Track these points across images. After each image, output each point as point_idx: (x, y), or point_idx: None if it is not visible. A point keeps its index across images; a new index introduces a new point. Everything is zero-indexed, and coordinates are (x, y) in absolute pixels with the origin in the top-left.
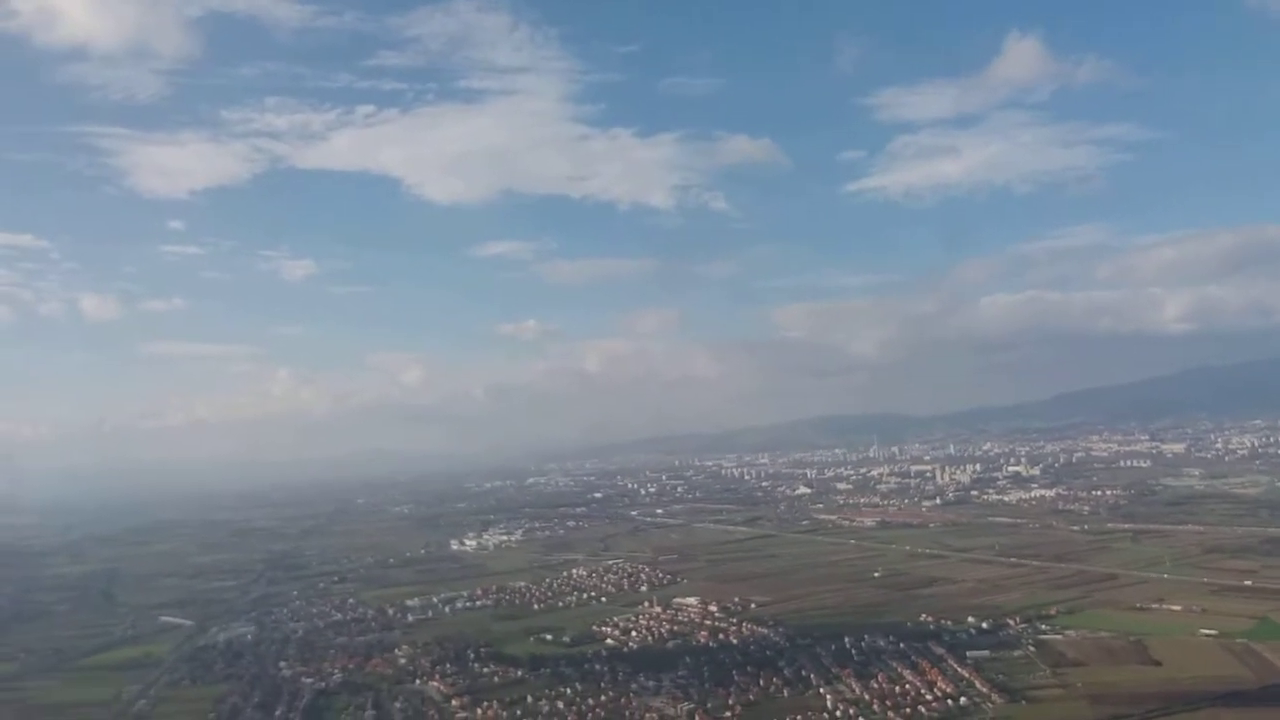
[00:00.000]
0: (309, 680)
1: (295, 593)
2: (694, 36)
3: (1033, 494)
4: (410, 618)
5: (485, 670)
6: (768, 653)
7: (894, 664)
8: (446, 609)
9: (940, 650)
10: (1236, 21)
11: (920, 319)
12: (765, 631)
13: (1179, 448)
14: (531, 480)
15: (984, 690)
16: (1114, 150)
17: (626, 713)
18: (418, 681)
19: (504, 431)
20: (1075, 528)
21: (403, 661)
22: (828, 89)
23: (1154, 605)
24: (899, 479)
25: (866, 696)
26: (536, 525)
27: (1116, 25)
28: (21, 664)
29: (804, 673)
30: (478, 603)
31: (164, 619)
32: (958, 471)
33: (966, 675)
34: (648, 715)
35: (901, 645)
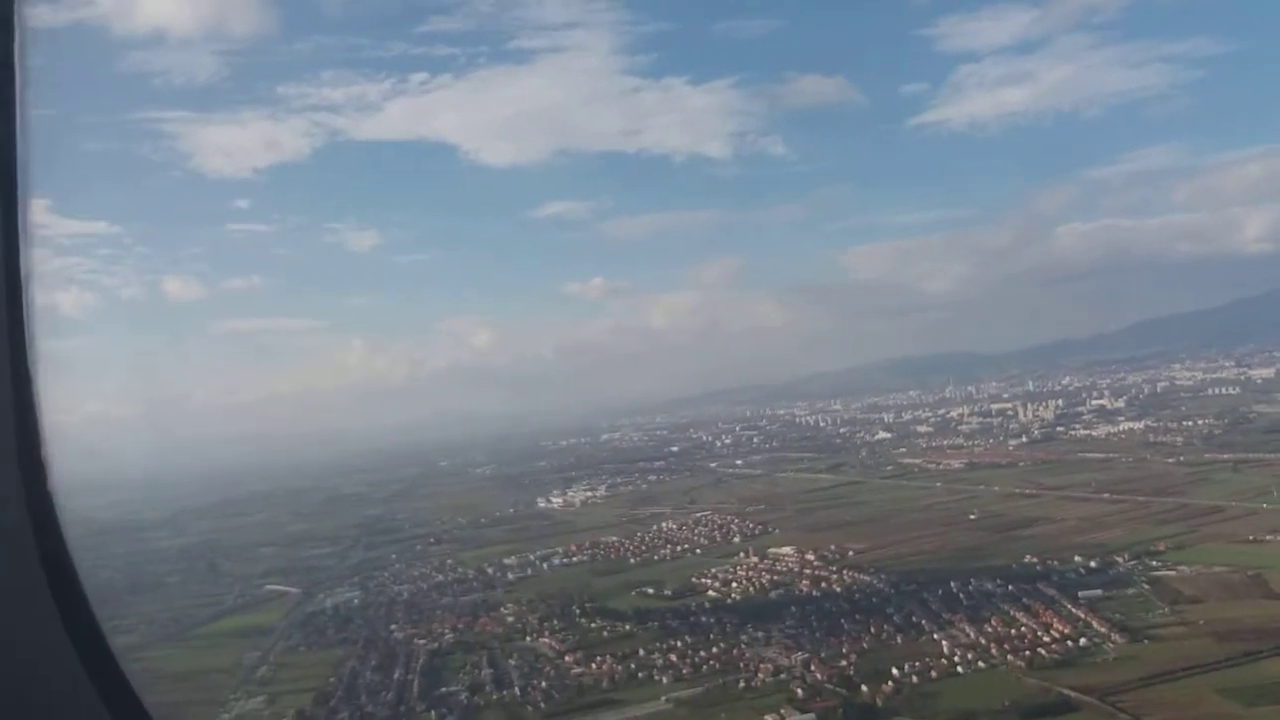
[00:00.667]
0: (421, 641)
1: (394, 556)
2: None
3: (1120, 427)
4: (510, 576)
5: (593, 625)
6: (874, 600)
7: (1005, 607)
8: (545, 566)
9: (1051, 591)
10: None
11: (993, 253)
12: (867, 579)
13: (1268, 372)
14: (606, 436)
15: (1103, 630)
16: (1185, 67)
17: (740, 664)
18: (528, 639)
19: (573, 389)
20: (1170, 460)
21: (510, 619)
22: (886, 22)
23: (1267, 537)
24: (980, 419)
25: (982, 640)
26: (619, 480)
27: None
28: (143, 634)
29: (914, 619)
30: (574, 559)
31: (269, 587)
32: (1040, 408)
33: (1082, 616)
34: (762, 666)
35: (1010, 588)
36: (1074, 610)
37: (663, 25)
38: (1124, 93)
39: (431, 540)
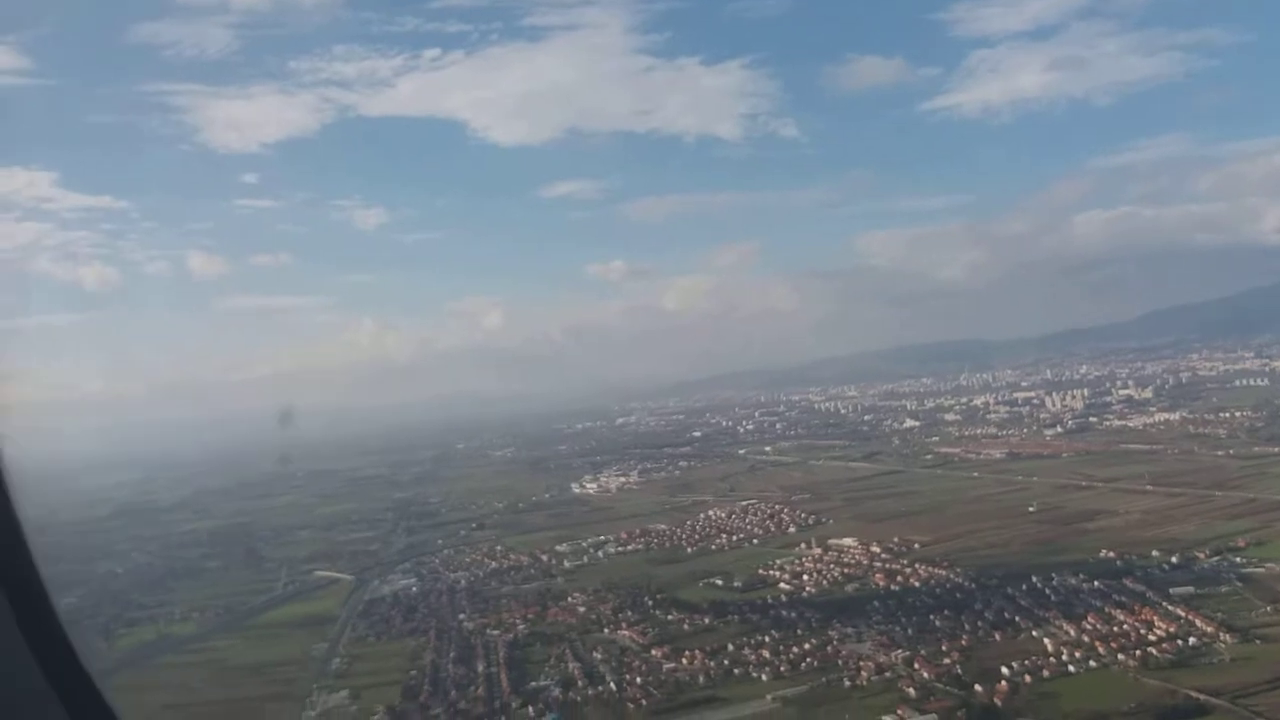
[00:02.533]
0: (495, 632)
1: (440, 541)
2: None
3: (1156, 418)
4: (567, 564)
5: (669, 618)
6: (957, 595)
7: (1097, 603)
8: (600, 554)
9: (1139, 587)
10: None
11: (1006, 240)
12: (943, 573)
13: None
14: (621, 420)
15: (1209, 630)
16: (1200, 56)
17: (839, 661)
18: (605, 630)
19: (582, 371)
20: (1219, 453)
21: (581, 610)
22: (900, 4)
23: None
24: (1007, 408)
25: (1085, 638)
26: (649, 466)
27: None
28: (198, 624)
29: (1006, 615)
30: (628, 547)
31: (318, 573)
32: (1068, 397)
33: (1183, 614)
34: (863, 664)
35: (1096, 583)
36: (1172, 608)
37: (676, 3)
38: (1137, 81)
39: (474, 525)
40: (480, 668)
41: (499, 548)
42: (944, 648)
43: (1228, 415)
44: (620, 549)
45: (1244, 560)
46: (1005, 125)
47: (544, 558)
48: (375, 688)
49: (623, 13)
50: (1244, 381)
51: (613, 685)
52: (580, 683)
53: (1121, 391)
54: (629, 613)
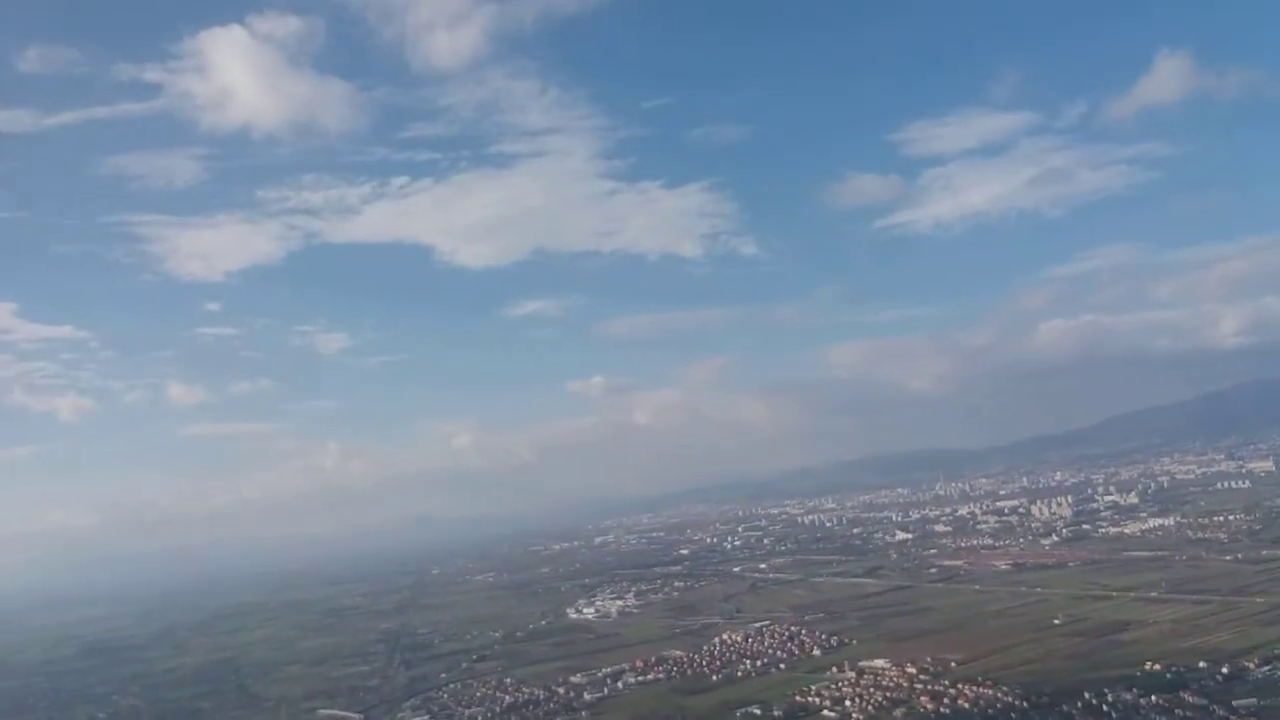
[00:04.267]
0: None
1: (443, 675)
2: (721, 85)
3: (1150, 524)
4: (587, 696)
5: None
6: (1011, 716)
7: (1162, 718)
8: (620, 684)
9: (1199, 700)
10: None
11: (968, 350)
12: (989, 692)
13: (1267, 465)
14: (600, 540)
15: None
16: (1143, 168)
17: None
18: None
19: (552, 489)
20: (1227, 557)
21: None
22: (855, 127)
23: None
24: (995, 517)
25: None
26: (643, 588)
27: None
28: None
29: None
30: (647, 676)
31: (323, 712)
32: (1053, 505)
33: None
34: None
35: (1153, 698)
36: None
37: (639, 130)
38: (1085, 193)
39: (475, 657)
40: None
41: (508, 680)
42: None
43: (1221, 519)
44: (640, 679)
45: None
46: (957, 238)
47: (560, 690)
48: None
49: (588, 140)
50: (1225, 484)
51: None
52: None
53: (1107, 498)
54: None
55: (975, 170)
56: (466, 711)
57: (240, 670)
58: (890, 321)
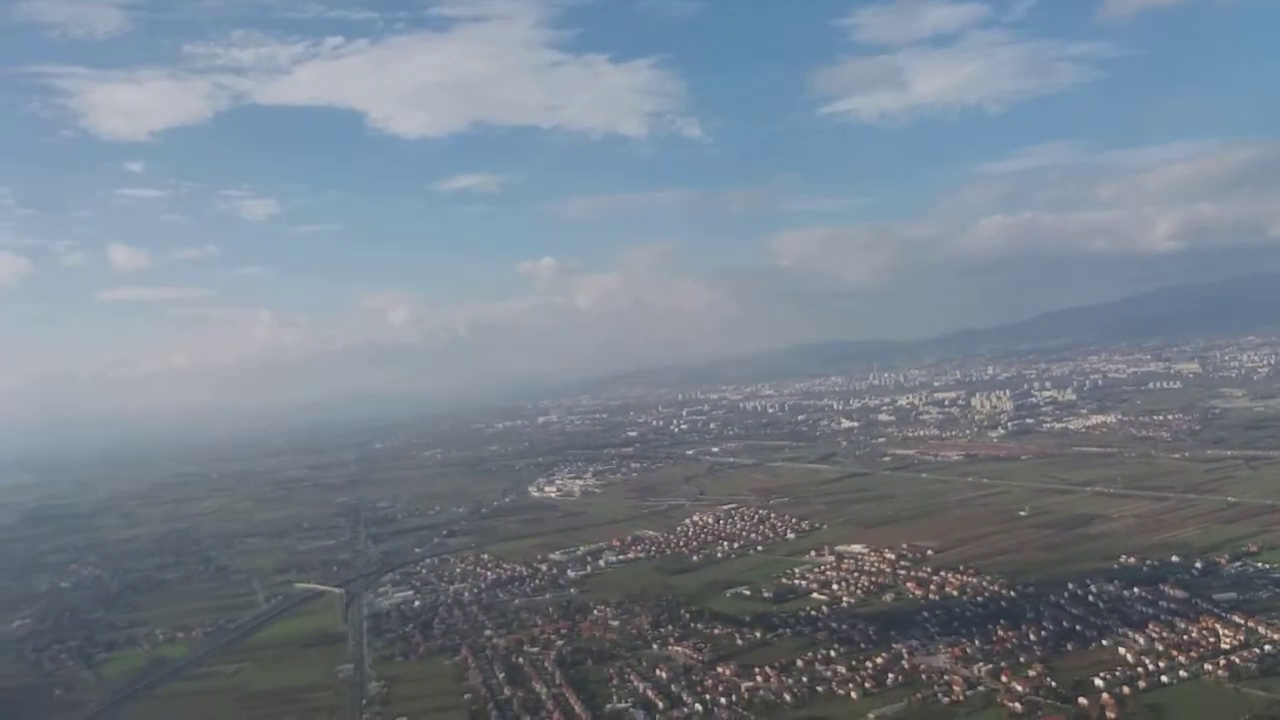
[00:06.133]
0: (534, 650)
1: (416, 550)
2: None
3: (1091, 420)
4: (570, 573)
5: (716, 632)
6: (1002, 604)
7: (1148, 610)
8: (602, 563)
9: (1179, 593)
10: None
11: (908, 243)
12: (973, 580)
13: (1194, 367)
14: (543, 419)
15: (1276, 637)
16: (1089, 68)
17: (924, 676)
18: (654, 646)
19: (489, 368)
20: (1175, 455)
21: (615, 624)
22: (804, 11)
23: None
24: (937, 408)
25: (1160, 647)
26: (600, 468)
27: None
28: (191, 646)
29: (1065, 624)
30: (628, 555)
31: (298, 586)
32: (993, 398)
33: (1241, 621)
34: (949, 678)
35: (1135, 590)
36: (1228, 615)
37: None
38: (1028, 89)
39: (445, 533)
40: (540, 689)
41: (485, 556)
42: (1022, 660)
43: (1160, 418)
44: (620, 557)
45: (1266, 565)
46: (902, 129)
47: (541, 567)
48: (434, 713)
49: (533, 5)
50: (1156, 384)
51: (698, 707)
52: (661, 704)
53: (1045, 393)
54: (669, 627)
55: (922, 60)
56: (451, 587)
57: (200, 542)
58: (832, 211)
